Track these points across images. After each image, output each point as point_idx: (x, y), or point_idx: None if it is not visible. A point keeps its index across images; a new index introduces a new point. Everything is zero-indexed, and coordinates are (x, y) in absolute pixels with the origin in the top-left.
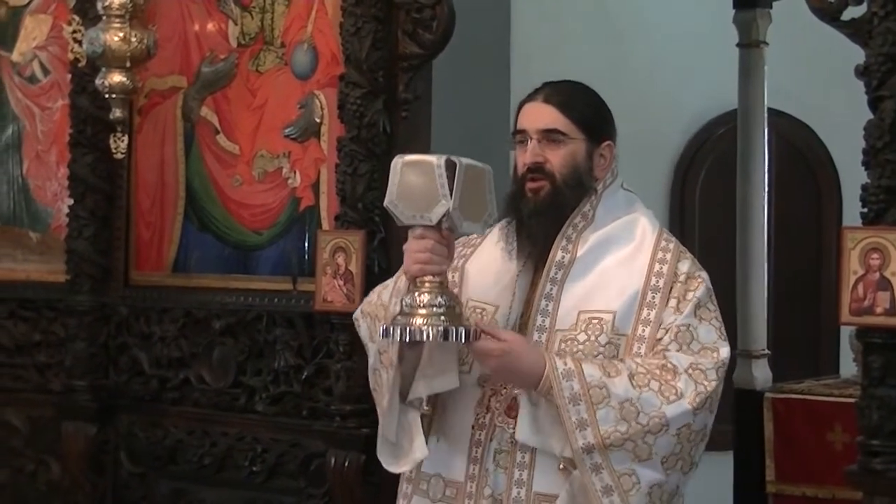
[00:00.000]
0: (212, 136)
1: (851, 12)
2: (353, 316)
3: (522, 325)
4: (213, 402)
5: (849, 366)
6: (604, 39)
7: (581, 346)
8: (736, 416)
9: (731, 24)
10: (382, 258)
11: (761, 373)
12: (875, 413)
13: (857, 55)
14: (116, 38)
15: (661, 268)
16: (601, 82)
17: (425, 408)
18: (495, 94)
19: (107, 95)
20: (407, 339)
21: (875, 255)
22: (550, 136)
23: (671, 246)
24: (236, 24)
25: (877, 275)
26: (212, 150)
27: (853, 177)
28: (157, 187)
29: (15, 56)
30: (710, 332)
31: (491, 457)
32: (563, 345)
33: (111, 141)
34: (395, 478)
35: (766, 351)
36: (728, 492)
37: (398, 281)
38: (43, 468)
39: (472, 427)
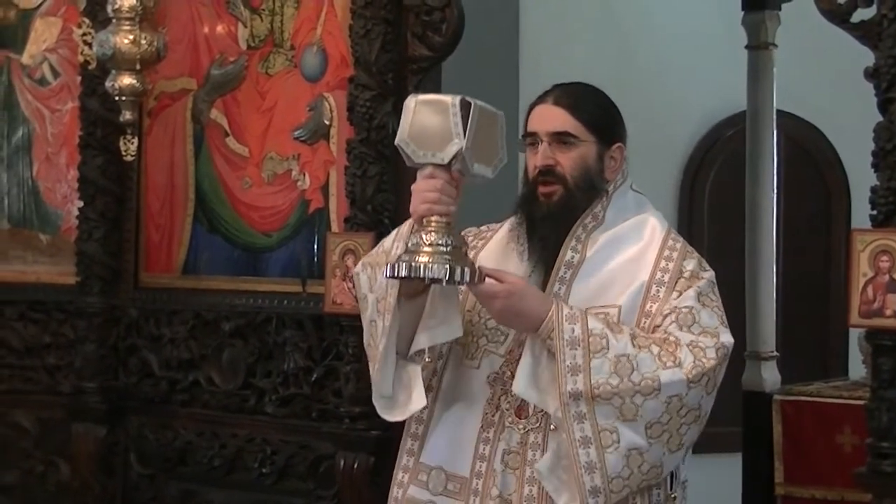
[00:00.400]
0: (221, 139)
1: (861, 14)
2: (354, 271)
3: None
4: (222, 403)
5: (858, 368)
6: (612, 41)
7: None
8: (744, 418)
9: (740, 25)
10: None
11: (770, 375)
12: (884, 415)
13: (867, 57)
14: (126, 41)
15: (667, 264)
16: (610, 84)
17: (426, 359)
18: (504, 96)
19: (117, 98)
20: (412, 276)
21: (884, 258)
22: (561, 138)
23: (678, 245)
24: (246, 27)
25: (886, 277)
26: (221, 153)
27: (862, 179)
28: (166, 189)
29: (25, 58)
30: (713, 317)
31: (499, 457)
32: None
33: (121, 143)
34: None
35: (775, 353)
36: (737, 494)
37: (402, 227)
38: (52, 470)
39: (481, 424)
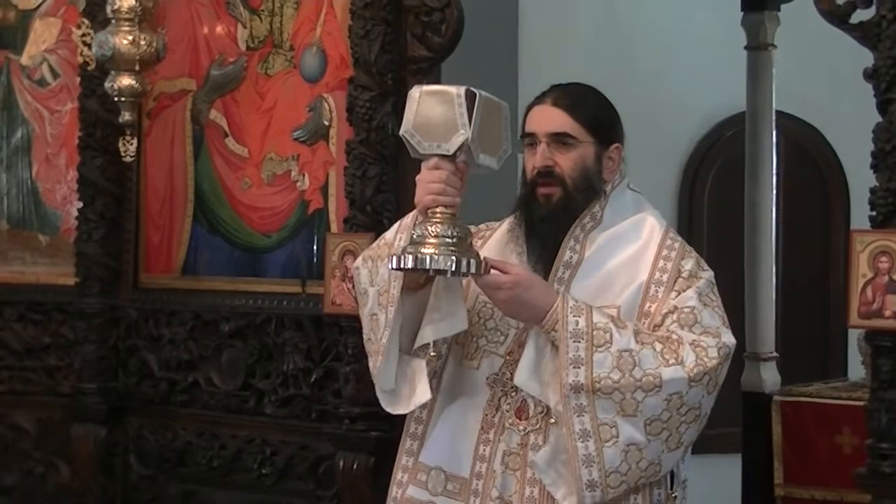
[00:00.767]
0: (221, 139)
1: (860, 15)
2: (354, 265)
3: None
4: (222, 404)
5: (857, 368)
6: (612, 42)
7: None
8: (744, 419)
9: (740, 26)
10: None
11: (769, 375)
12: (884, 416)
13: (866, 58)
14: (126, 42)
15: (665, 264)
16: (609, 84)
17: (431, 353)
18: (504, 97)
19: (116, 98)
20: (417, 267)
21: (884, 259)
22: (560, 139)
23: (676, 244)
24: (245, 27)
25: (885, 278)
26: (221, 153)
27: (861, 179)
28: (166, 190)
29: (24, 59)
30: (714, 317)
31: (499, 458)
32: None
33: (120, 144)
34: None
35: (775, 353)
36: (736, 494)
37: (405, 219)
38: (52, 470)
39: (481, 425)
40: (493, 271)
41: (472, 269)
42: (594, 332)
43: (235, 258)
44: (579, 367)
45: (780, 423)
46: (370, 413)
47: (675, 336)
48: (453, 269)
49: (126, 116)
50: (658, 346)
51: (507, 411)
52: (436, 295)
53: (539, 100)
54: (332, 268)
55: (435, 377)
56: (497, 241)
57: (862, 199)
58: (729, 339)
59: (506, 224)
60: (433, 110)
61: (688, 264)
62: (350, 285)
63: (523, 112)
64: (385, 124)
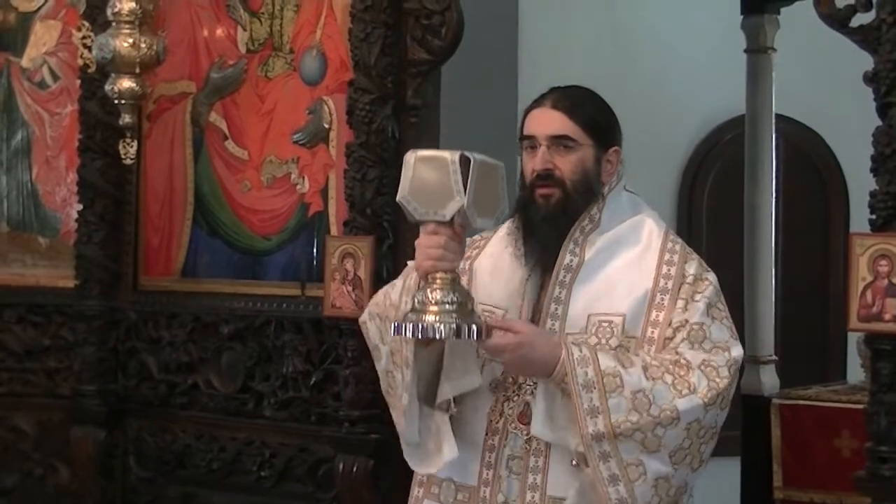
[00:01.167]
0: (220, 142)
1: (860, 19)
2: (360, 319)
3: None
4: (221, 406)
5: (856, 371)
6: (612, 45)
7: None
8: (743, 422)
9: (740, 29)
10: (391, 264)
11: (769, 378)
12: (883, 419)
13: (866, 61)
14: (126, 44)
15: (669, 269)
16: (609, 87)
17: (453, 408)
18: (503, 99)
19: (116, 101)
20: (419, 336)
21: (883, 262)
22: (560, 142)
23: (678, 247)
24: (245, 30)
25: (885, 281)
26: (221, 156)
27: (861, 183)
28: (166, 192)
29: (25, 61)
30: (722, 331)
31: (504, 462)
32: None
33: (120, 146)
34: (404, 483)
35: (774, 357)
36: (735, 497)
37: (407, 279)
38: (52, 472)
39: (486, 432)
40: (496, 332)
41: (474, 336)
42: (604, 380)
43: (235, 261)
44: (597, 416)
45: (780, 426)
46: (370, 416)
47: (683, 360)
48: (454, 336)
49: (126, 119)
50: (669, 379)
51: (510, 415)
52: (449, 355)
53: (538, 102)
54: (331, 270)
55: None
56: (494, 246)
57: (861, 202)
58: (738, 352)
59: (502, 230)
60: (428, 176)
61: (691, 268)
62: (349, 288)
63: (522, 115)
64: (385, 127)
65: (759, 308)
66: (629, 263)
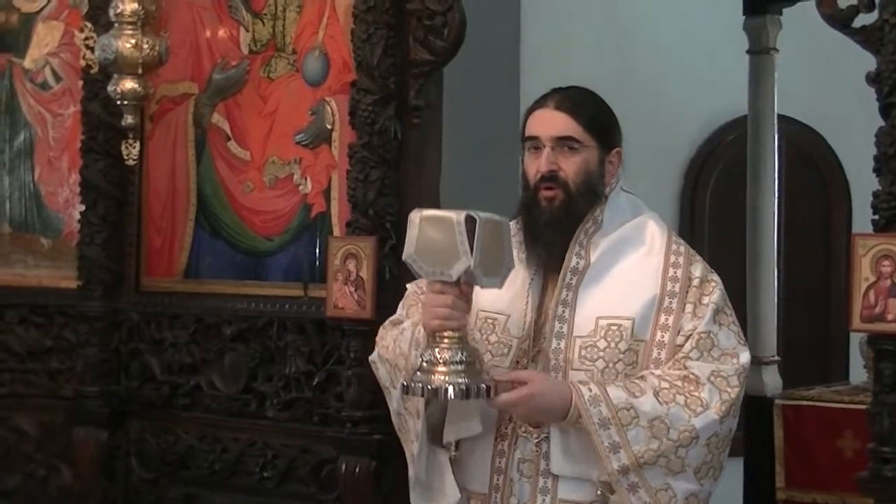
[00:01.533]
0: (223, 143)
1: (863, 19)
2: (370, 358)
3: (537, 331)
4: (224, 407)
5: (859, 372)
6: (614, 46)
7: (602, 353)
8: (746, 423)
9: (742, 30)
10: (394, 264)
11: (771, 379)
12: (886, 420)
13: (868, 61)
14: (128, 45)
15: (676, 272)
16: (611, 88)
17: (453, 453)
18: (506, 100)
19: (118, 102)
20: (427, 398)
21: (886, 262)
22: (565, 143)
23: (682, 249)
24: (248, 31)
25: (888, 282)
26: (223, 157)
27: (863, 183)
28: (168, 193)
29: (27, 62)
30: (730, 337)
31: (515, 466)
32: (583, 351)
33: (123, 147)
34: (406, 484)
35: (777, 357)
36: (738, 498)
37: (416, 330)
38: (54, 473)
39: (495, 437)
40: (503, 386)
41: (483, 395)
42: (619, 414)
43: (237, 262)
44: (618, 451)
45: (782, 426)
46: (372, 416)
47: (692, 375)
48: (463, 397)
49: (128, 120)
50: (681, 399)
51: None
52: (452, 403)
53: (540, 103)
54: (334, 271)
55: None
56: None
57: (864, 202)
58: (746, 358)
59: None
60: (434, 236)
61: (696, 270)
62: (352, 288)
63: (523, 116)
64: (387, 128)
65: (762, 309)
66: (635, 265)
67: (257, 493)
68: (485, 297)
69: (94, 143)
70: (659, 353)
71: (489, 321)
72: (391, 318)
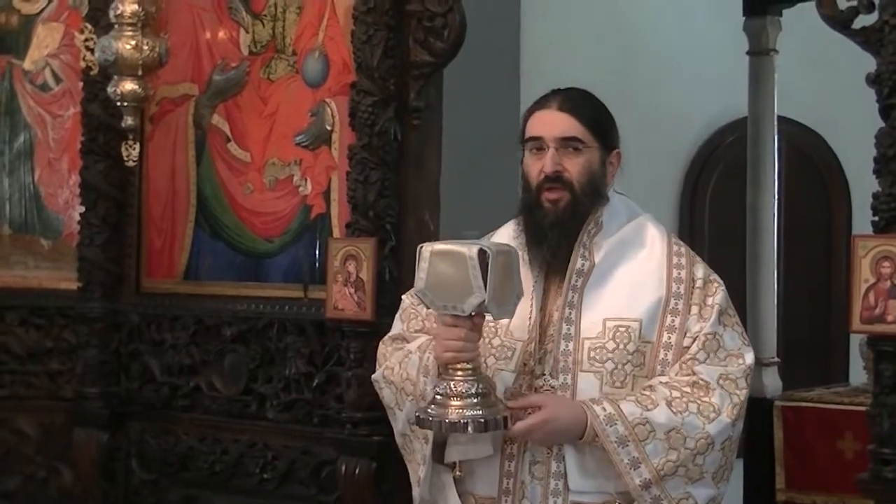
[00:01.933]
0: (223, 144)
1: (863, 20)
2: (373, 378)
3: (542, 332)
4: (224, 409)
5: (859, 374)
6: (615, 48)
7: (611, 355)
8: (746, 424)
9: (742, 31)
10: (394, 266)
11: (771, 381)
12: (886, 421)
13: (868, 63)
14: (128, 47)
15: (679, 273)
16: (611, 90)
17: (458, 473)
18: (506, 102)
19: (118, 103)
20: (444, 432)
21: (886, 264)
22: (569, 144)
23: (682, 251)
24: (248, 33)
25: (888, 283)
26: (223, 158)
27: (863, 184)
28: (168, 195)
29: (27, 64)
30: (735, 338)
31: (527, 468)
32: (592, 353)
33: (123, 148)
34: (406, 485)
35: (776, 358)
36: (738, 499)
37: (424, 357)
38: (54, 475)
39: (504, 441)
40: (516, 414)
41: (500, 426)
42: (635, 430)
43: (237, 263)
44: (639, 467)
45: (782, 428)
46: (372, 418)
47: (701, 381)
48: (483, 430)
49: (128, 121)
50: (694, 407)
51: None
52: None
53: (541, 104)
54: (334, 272)
55: None
56: None
57: (864, 204)
58: (751, 358)
59: (507, 230)
60: (445, 271)
61: (699, 271)
62: (352, 290)
63: (523, 117)
64: (387, 129)
65: (762, 310)
66: (638, 267)
67: (257, 495)
68: None
69: (94, 144)
70: (666, 355)
71: (492, 325)
72: (391, 335)
